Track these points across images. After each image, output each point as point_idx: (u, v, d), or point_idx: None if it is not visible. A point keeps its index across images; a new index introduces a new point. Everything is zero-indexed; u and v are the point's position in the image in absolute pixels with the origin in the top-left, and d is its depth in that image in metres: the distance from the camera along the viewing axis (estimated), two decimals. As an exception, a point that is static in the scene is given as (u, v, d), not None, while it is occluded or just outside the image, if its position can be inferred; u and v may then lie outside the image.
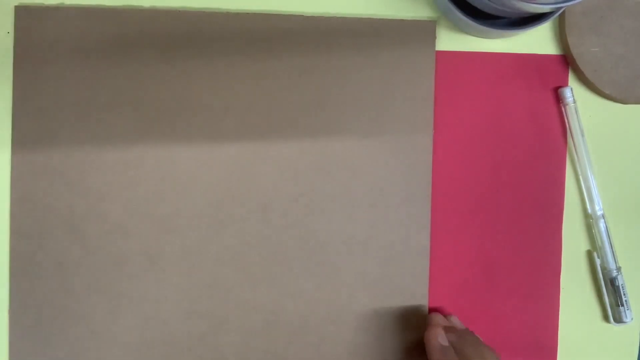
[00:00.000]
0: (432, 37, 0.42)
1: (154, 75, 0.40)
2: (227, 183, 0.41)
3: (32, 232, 0.39)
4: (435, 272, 0.42)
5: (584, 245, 0.44)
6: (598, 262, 0.43)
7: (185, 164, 0.40)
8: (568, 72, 0.43)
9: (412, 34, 0.42)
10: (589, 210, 0.43)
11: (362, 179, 0.42)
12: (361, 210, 0.42)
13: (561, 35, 0.42)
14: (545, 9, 0.35)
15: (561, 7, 0.36)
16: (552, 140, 0.43)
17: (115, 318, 0.40)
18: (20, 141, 0.39)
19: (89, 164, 0.40)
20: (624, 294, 0.42)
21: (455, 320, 0.41)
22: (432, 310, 0.42)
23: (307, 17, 0.41)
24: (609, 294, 0.43)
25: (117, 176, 0.40)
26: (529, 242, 0.43)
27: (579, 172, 0.43)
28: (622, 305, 0.42)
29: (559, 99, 0.43)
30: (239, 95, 0.41)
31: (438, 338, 0.38)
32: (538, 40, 0.43)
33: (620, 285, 0.42)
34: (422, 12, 0.42)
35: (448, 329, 0.39)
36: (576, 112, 0.42)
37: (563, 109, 0.43)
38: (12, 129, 0.39)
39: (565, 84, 0.43)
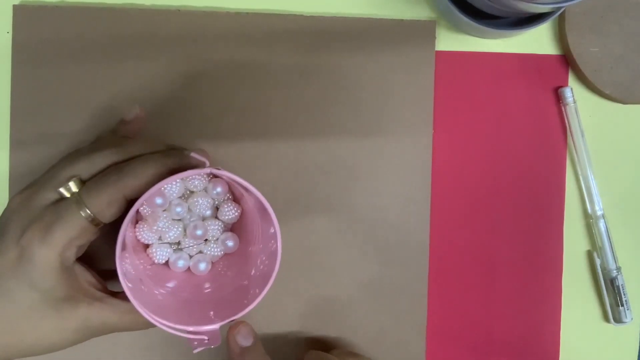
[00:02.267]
0: (432, 37, 0.42)
1: (154, 75, 0.40)
2: (227, 183, 0.40)
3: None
4: (435, 272, 0.42)
5: (584, 245, 0.43)
6: (598, 262, 0.43)
7: (185, 164, 0.40)
8: (568, 72, 0.43)
9: (412, 34, 0.42)
10: (589, 211, 0.43)
11: (362, 179, 0.41)
12: (361, 210, 0.41)
13: (561, 35, 0.42)
14: (545, 9, 0.35)
15: (561, 7, 0.36)
16: (552, 140, 0.43)
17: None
18: (18, 141, 0.39)
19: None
20: (624, 294, 0.42)
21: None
22: (430, 309, 0.42)
23: (307, 17, 0.41)
24: (609, 294, 0.43)
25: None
26: (530, 243, 0.43)
27: (579, 172, 0.43)
28: (622, 305, 0.42)
29: (559, 99, 0.43)
30: (239, 95, 0.41)
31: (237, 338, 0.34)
32: (538, 40, 0.43)
33: (620, 285, 0.42)
34: (422, 13, 0.42)
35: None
36: (576, 112, 0.42)
37: (563, 109, 0.43)
38: (10, 128, 0.39)
39: (565, 84, 0.43)
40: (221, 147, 0.40)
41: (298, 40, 0.41)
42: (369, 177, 0.42)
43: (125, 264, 0.32)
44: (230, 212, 0.37)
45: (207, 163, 0.32)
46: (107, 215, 0.31)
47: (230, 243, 0.38)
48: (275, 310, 0.41)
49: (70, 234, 0.30)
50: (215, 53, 0.40)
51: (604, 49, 0.41)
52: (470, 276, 0.43)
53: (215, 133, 0.40)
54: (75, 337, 0.32)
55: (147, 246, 0.37)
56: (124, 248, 0.31)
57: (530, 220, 0.43)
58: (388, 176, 0.42)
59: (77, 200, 0.30)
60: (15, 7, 0.39)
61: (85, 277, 0.33)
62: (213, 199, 0.37)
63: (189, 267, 0.38)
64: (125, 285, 0.30)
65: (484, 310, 0.43)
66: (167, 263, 0.38)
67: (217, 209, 0.38)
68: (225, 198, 0.38)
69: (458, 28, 0.42)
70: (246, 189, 0.32)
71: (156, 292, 0.35)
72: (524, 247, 0.43)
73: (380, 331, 0.42)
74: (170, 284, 0.37)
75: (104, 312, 0.32)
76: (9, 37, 0.39)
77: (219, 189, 0.37)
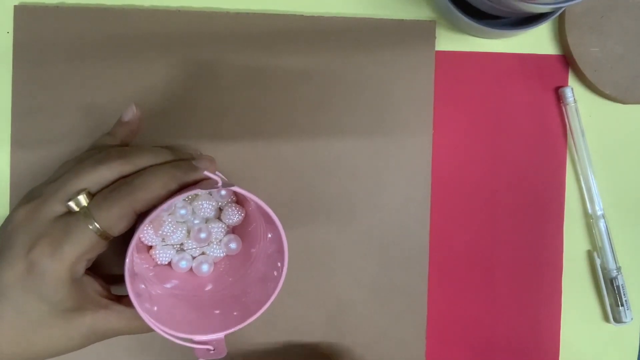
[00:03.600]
0: (432, 37, 0.42)
1: (154, 75, 0.40)
2: (227, 183, 0.40)
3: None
4: (435, 272, 0.42)
5: (584, 245, 0.43)
6: (598, 262, 0.43)
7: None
8: (568, 72, 0.43)
9: (412, 34, 0.42)
10: (589, 211, 0.43)
11: (362, 179, 0.41)
12: (361, 210, 0.41)
13: (561, 35, 0.42)
14: (545, 9, 0.35)
15: (561, 7, 0.36)
16: (552, 140, 0.43)
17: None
18: (19, 141, 0.39)
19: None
20: (624, 294, 0.42)
21: None
22: (430, 309, 0.42)
23: (307, 17, 0.41)
24: (609, 294, 0.43)
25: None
26: (530, 243, 0.43)
27: (579, 172, 0.43)
28: (622, 305, 0.42)
29: (559, 99, 0.43)
30: (239, 95, 0.41)
31: None
32: (538, 40, 0.43)
33: (620, 285, 0.42)
34: (421, 13, 0.42)
35: None
36: (576, 112, 0.42)
37: (563, 109, 0.43)
38: (11, 128, 0.39)
39: (565, 84, 0.43)
40: (221, 147, 0.40)
41: (298, 40, 0.41)
42: (369, 177, 0.42)
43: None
44: (234, 216, 0.37)
45: (220, 183, 0.31)
46: (117, 229, 0.31)
47: (233, 245, 0.38)
48: (274, 310, 0.41)
49: (80, 249, 0.30)
50: (216, 53, 0.40)
51: (604, 49, 0.41)
52: (470, 276, 0.43)
53: (215, 133, 0.40)
54: (82, 343, 0.32)
55: (149, 246, 0.37)
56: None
57: (530, 220, 0.43)
58: (388, 176, 0.42)
59: (86, 214, 0.30)
60: (16, 8, 0.39)
61: (92, 286, 0.33)
62: (217, 201, 0.37)
63: (191, 268, 0.38)
64: (135, 299, 0.30)
65: (484, 310, 0.43)
66: (169, 263, 0.38)
67: (220, 210, 0.38)
68: (229, 200, 0.38)
69: (458, 28, 0.42)
70: (257, 203, 0.32)
71: (159, 292, 0.35)
72: (524, 247, 0.43)
73: (380, 331, 0.42)
74: (172, 284, 0.37)
75: (109, 318, 0.32)
76: (10, 37, 0.39)
77: (223, 192, 0.37)
